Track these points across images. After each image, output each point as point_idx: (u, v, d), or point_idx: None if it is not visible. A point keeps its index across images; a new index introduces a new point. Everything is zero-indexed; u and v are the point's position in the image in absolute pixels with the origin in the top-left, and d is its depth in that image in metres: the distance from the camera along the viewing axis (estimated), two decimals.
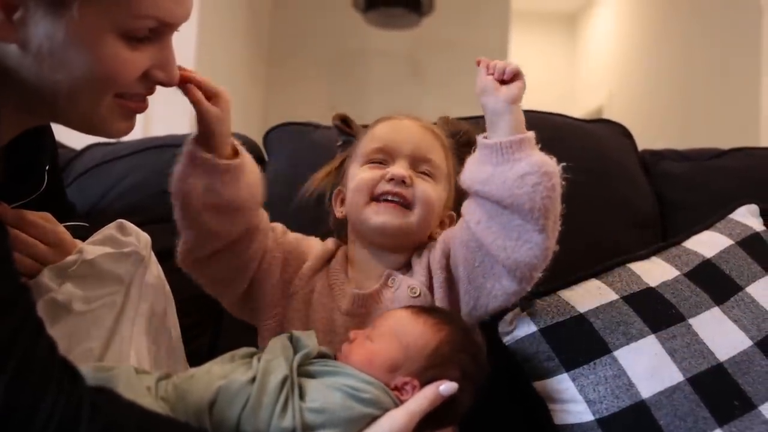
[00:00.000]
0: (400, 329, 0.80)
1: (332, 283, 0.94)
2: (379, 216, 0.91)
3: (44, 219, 0.86)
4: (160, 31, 0.76)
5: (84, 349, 0.80)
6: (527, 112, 1.24)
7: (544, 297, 0.95)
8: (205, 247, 0.89)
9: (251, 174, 0.89)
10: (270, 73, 3.89)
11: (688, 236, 1.06)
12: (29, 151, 0.86)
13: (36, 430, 0.58)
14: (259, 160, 1.22)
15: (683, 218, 1.17)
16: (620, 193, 1.16)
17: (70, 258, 0.83)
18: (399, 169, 0.93)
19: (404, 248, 0.95)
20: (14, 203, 0.85)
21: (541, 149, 1.16)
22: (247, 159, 0.88)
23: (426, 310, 0.83)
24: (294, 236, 0.99)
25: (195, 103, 0.83)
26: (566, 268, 1.02)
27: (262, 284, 0.93)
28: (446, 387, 0.76)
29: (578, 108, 5.02)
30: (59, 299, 0.81)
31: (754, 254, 1.02)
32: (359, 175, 0.95)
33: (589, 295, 0.94)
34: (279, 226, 0.98)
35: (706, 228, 1.07)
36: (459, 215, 1.01)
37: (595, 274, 0.98)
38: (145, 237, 0.90)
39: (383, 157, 0.96)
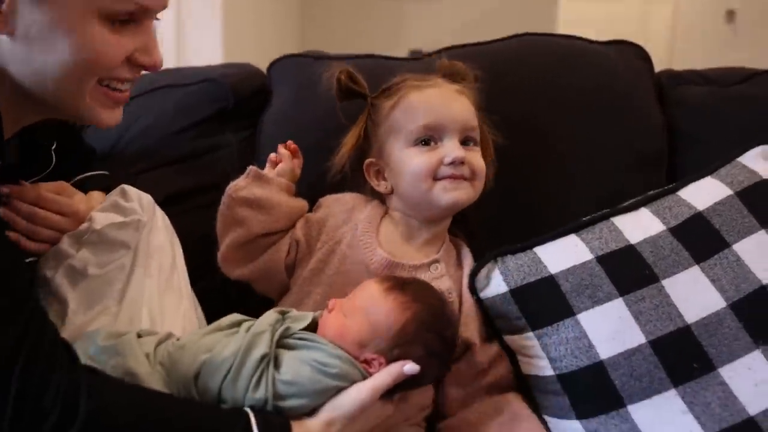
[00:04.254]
0: (371, 307, 0.87)
1: (360, 236, 1.01)
2: (449, 193, 0.97)
3: (60, 190, 0.96)
4: (140, 16, 0.82)
5: (102, 308, 0.92)
6: (536, 35, 1.20)
7: (519, 254, 0.98)
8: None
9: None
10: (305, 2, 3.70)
11: (685, 183, 1.03)
12: (35, 132, 0.93)
13: (45, 410, 0.70)
14: (265, 92, 1.25)
15: (696, 153, 1.13)
16: (626, 129, 1.12)
17: (83, 226, 0.94)
18: (456, 150, 0.97)
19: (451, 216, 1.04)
20: (30, 180, 0.94)
21: (543, 83, 1.14)
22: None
23: (397, 286, 0.88)
24: (314, 216, 1.06)
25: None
26: (558, 215, 1.05)
27: (296, 271, 1.04)
28: (409, 367, 0.83)
29: None
30: (76, 265, 0.92)
31: (753, 206, 0.99)
32: (413, 160, 0.98)
33: (564, 254, 0.97)
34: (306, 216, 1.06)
35: (709, 173, 1.04)
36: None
37: (576, 229, 1.00)
38: (146, 199, 0.99)
39: (431, 134, 0.98)
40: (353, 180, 1.08)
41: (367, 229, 1.02)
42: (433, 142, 0.98)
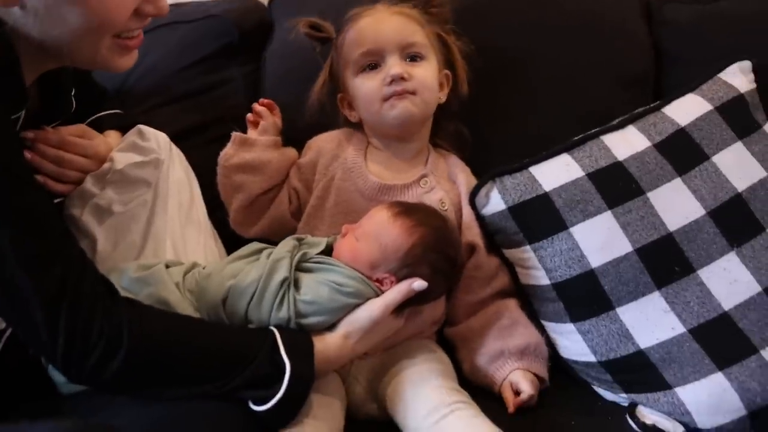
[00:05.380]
0: (381, 231, 0.94)
1: (351, 167, 1.08)
2: (395, 110, 1.03)
3: (81, 133, 1.01)
4: None
5: (128, 243, 0.99)
6: None
7: (515, 173, 1.05)
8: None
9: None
10: None
11: (669, 101, 1.10)
12: (55, 81, 0.97)
13: (92, 345, 0.77)
14: (268, 25, 1.27)
15: (682, 73, 1.18)
16: (613, 50, 1.17)
17: (105, 166, 0.99)
18: (394, 68, 1.02)
19: (417, 131, 1.09)
20: (51, 125, 0.99)
21: (530, 5, 1.17)
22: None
23: (404, 211, 0.96)
24: (303, 160, 1.11)
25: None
26: (549, 134, 1.11)
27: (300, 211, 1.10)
28: (418, 284, 0.92)
29: None
30: (101, 204, 0.98)
31: (730, 120, 1.06)
32: (361, 87, 1.05)
33: (557, 171, 1.04)
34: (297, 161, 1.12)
35: (691, 90, 1.10)
36: (453, 73, 1.11)
37: (568, 148, 1.06)
38: (163, 138, 1.04)
39: (373, 58, 1.04)
40: (333, 114, 1.13)
41: (355, 160, 1.09)
42: (377, 65, 1.04)
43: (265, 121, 1.09)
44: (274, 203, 1.10)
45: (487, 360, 1.00)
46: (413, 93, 1.03)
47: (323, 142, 1.12)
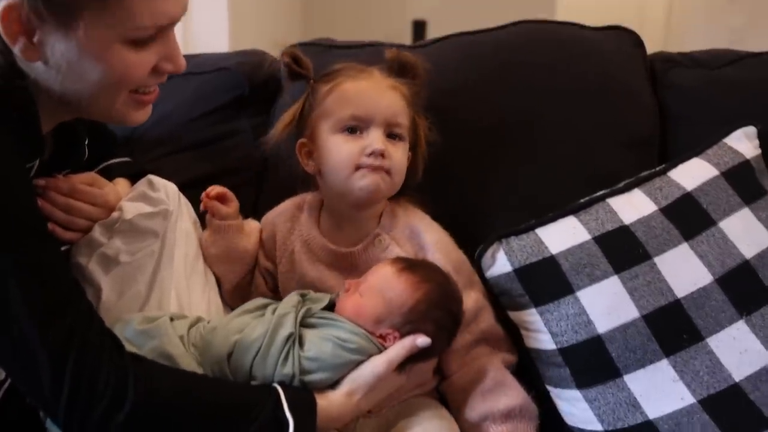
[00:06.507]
0: (385, 286, 0.94)
1: (307, 239, 1.08)
2: (365, 180, 1.01)
3: (92, 181, 1.01)
4: (162, 31, 0.86)
5: (134, 293, 0.99)
6: (533, 22, 1.24)
7: (522, 235, 1.05)
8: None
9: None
10: None
11: (675, 165, 1.10)
12: (70, 130, 0.99)
13: (97, 397, 0.77)
14: (278, 79, 1.29)
15: (686, 134, 1.19)
16: (619, 113, 1.18)
17: (114, 215, 1.00)
18: (377, 143, 1.00)
19: (377, 204, 1.08)
20: (63, 172, 1.00)
21: (539, 70, 1.19)
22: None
23: (408, 267, 0.96)
24: (263, 237, 1.12)
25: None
26: (554, 196, 1.12)
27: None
28: (422, 341, 0.91)
29: None
30: (108, 253, 0.98)
31: (737, 185, 1.06)
32: (337, 147, 1.02)
33: (563, 235, 1.04)
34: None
35: (696, 155, 1.11)
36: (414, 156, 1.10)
37: (574, 210, 1.06)
38: (172, 189, 1.05)
39: (358, 124, 1.02)
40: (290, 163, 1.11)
41: (309, 231, 1.08)
42: (358, 131, 1.02)
43: (221, 211, 1.08)
44: (253, 286, 1.12)
45: (474, 420, 0.99)
46: (387, 172, 1.02)
47: (277, 217, 1.13)
